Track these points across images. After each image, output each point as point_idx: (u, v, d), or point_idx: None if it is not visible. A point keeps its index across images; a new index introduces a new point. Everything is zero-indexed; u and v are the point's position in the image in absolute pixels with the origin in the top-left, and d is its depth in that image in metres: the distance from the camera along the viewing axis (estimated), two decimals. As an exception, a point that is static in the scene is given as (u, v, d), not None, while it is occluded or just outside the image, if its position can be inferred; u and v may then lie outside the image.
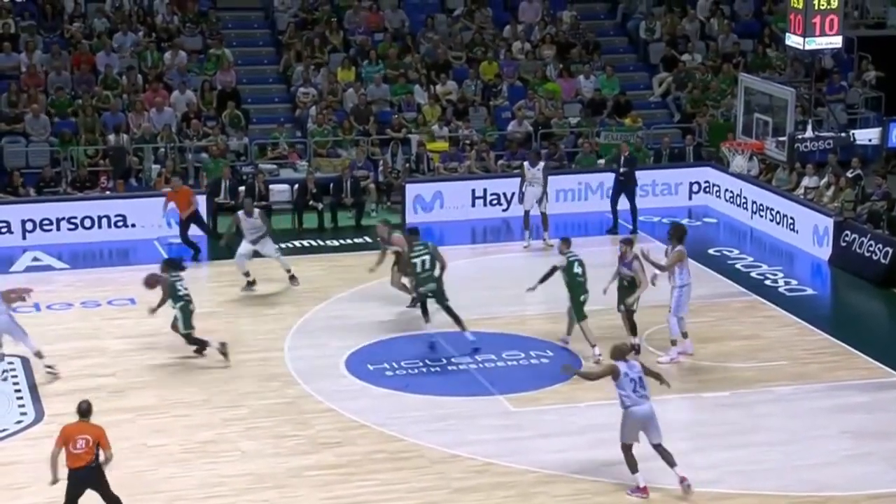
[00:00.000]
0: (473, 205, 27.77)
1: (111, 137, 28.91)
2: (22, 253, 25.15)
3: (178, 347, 19.80)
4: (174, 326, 19.65)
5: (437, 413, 17.89)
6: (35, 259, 25.03)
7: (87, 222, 26.12)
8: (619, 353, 15.50)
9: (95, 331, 21.12)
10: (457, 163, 29.32)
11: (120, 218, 26.26)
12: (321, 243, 26.04)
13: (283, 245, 24.47)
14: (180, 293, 19.43)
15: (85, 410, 14.18)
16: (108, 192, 27.46)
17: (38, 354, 19.05)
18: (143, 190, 27.84)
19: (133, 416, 17.66)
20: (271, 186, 27.77)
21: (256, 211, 22.97)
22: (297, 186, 27.70)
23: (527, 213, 25.52)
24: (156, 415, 17.78)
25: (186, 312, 19.45)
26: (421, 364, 19.66)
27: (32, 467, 15.89)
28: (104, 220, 26.18)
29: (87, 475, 14.05)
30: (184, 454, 16.61)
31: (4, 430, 17.25)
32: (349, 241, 26.06)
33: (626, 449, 15.45)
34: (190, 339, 19.55)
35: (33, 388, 18.62)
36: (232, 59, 31.44)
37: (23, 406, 18.06)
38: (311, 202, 27.20)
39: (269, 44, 33.12)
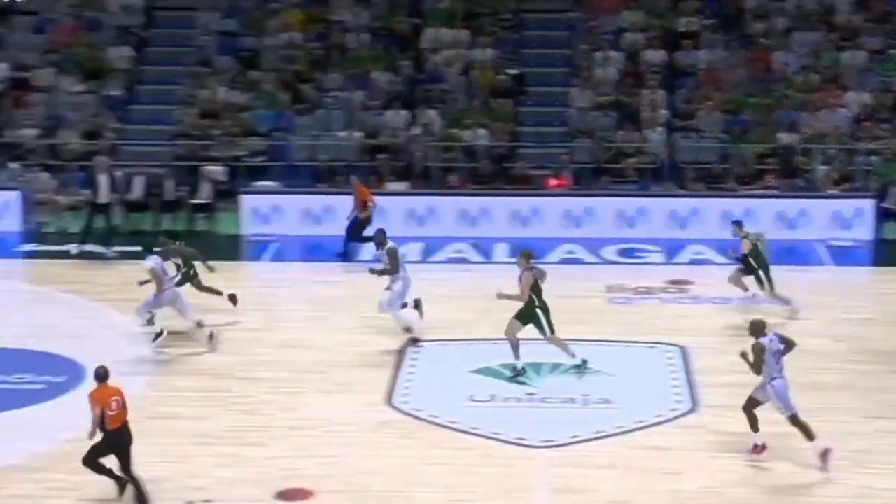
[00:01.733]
0: None
1: (781, 136, 28.95)
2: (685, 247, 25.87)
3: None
4: None
5: None
6: (697, 253, 25.70)
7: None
8: (757, 329, 15.81)
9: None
10: None
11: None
12: None
13: None
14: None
15: (103, 375, 14.66)
16: (770, 190, 27.55)
17: (199, 324, 19.76)
18: (810, 191, 27.70)
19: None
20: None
21: None
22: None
23: None
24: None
25: None
26: None
27: (686, 455, 16.32)
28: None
29: (126, 433, 14.62)
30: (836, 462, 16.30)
31: (659, 415, 17.78)
32: None
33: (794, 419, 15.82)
34: None
35: (690, 378, 19.04)
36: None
37: (678, 395, 18.52)
38: None
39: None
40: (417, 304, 20.68)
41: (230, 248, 25.96)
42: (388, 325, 20.78)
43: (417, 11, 32.73)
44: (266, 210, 26.79)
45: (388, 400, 18.20)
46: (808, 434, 15.84)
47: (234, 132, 29.44)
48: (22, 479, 15.57)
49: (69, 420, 16.96)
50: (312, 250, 25.93)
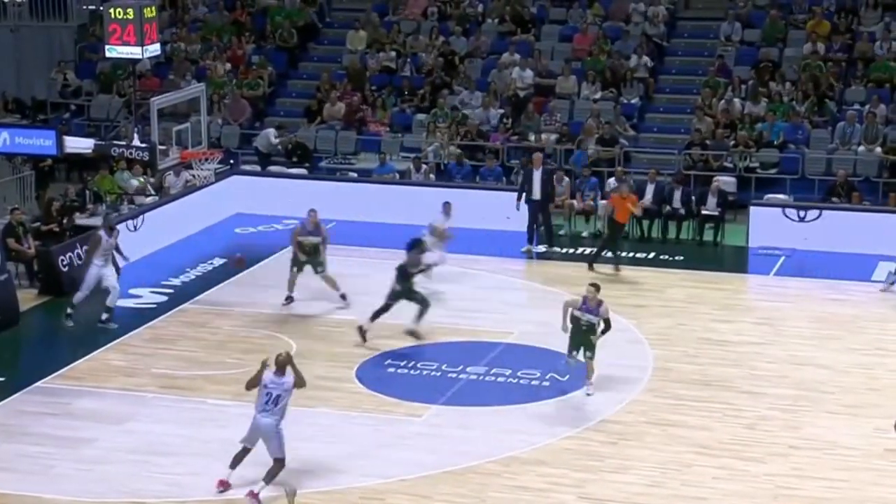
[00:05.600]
0: None
1: None
2: None
3: None
4: None
5: None
6: None
7: None
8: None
9: None
10: None
11: None
12: None
13: None
14: None
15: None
16: None
17: None
18: None
19: None
20: None
21: None
22: None
23: None
24: None
25: None
26: None
27: None
28: None
29: None
30: None
31: None
32: None
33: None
34: None
35: None
36: None
37: None
38: None
39: None
40: None
41: (736, 260, 25.79)
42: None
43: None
44: (774, 223, 26.29)
45: (897, 427, 17.53)
46: None
47: (747, 143, 29.22)
48: (526, 471, 16.17)
49: (571, 418, 17.49)
50: (818, 266, 25.19)
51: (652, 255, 25.96)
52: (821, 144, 29.27)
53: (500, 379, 19.40)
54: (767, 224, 26.35)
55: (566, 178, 28.12)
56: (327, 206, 24.31)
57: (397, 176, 29.61)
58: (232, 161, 30.49)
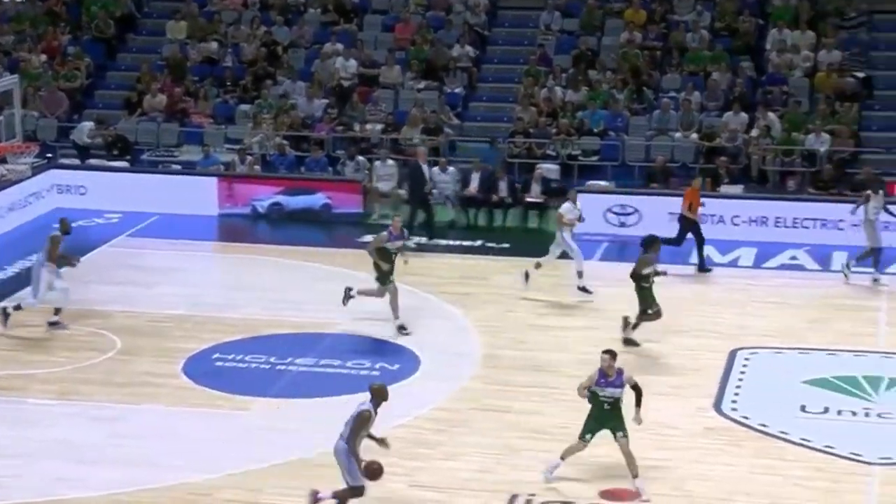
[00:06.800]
0: None
1: None
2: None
3: None
4: None
5: None
6: None
7: None
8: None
9: None
10: None
11: None
12: None
13: None
14: None
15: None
16: None
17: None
18: None
19: None
20: None
21: None
22: None
23: None
24: None
25: None
26: None
27: None
28: None
29: None
30: None
31: None
32: None
33: None
34: None
35: None
36: None
37: None
38: None
39: None
40: None
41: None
42: (721, 329, 20.56)
43: (762, 12, 32.15)
44: (597, 209, 26.73)
45: (717, 406, 17.97)
46: None
47: (569, 131, 29.62)
48: (357, 461, 16.14)
49: (401, 407, 17.50)
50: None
51: (478, 242, 26.18)
52: (639, 131, 29.84)
53: (329, 370, 19.35)
54: (589, 211, 26.79)
55: (391, 168, 28.21)
56: (150, 199, 23.95)
57: (222, 168, 29.29)
58: (49, 155, 29.79)
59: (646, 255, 20.29)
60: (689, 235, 24.25)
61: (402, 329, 20.54)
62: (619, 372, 15.40)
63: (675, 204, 25.20)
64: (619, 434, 15.27)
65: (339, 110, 31.01)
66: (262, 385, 18.70)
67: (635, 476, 15.22)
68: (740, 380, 18.92)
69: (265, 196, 28.17)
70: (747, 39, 31.48)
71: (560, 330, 20.76)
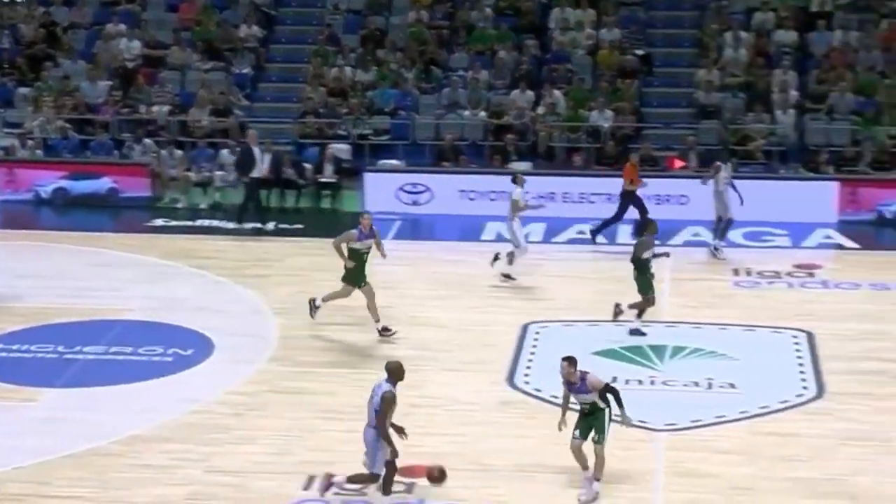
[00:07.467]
0: None
1: (916, 118, 28.39)
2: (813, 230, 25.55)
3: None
4: None
5: None
6: (826, 237, 25.44)
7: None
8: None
9: (881, 314, 20.92)
10: None
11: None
12: None
13: None
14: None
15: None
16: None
17: None
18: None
19: None
20: None
21: None
22: None
23: None
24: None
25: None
26: None
27: (810, 442, 16.10)
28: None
29: None
30: None
31: (784, 401, 17.55)
32: None
33: None
34: None
35: (817, 364, 18.77)
36: None
37: (804, 380, 18.26)
38: None
39: None
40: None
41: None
42: (513, 304, 20.83)
43: (545, -9, 32.72)
44: (389, 188, 26.87)
45: (510, 380, 18.24)
46: None
47: (359, 110, 29.62)
48: (150, 449, 15.89)
49: (195, 392, 17.29)
50: (435, 228, 26.02)
51: (271, 224, 26.01)
52: (429, 110, 30.02)
53: (120, 357, 18.98)
54: (381, 190, 26.94)
55: (179, 151, 27.80)
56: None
57: (2, 153, 28.44)
58: None
59: (642, 238, 20.08)
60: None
61: (385, 331, 19.77)
62: (583, 377, 14.81)
63: (466, 182, 25.45)
64: (595, 438, 14.81)
65: (123, 92, 30.40)
66: (50, 375, 18.24)
67: (597, 479, 14.86)
68: (532, 353, 19.23)
69: (48, 181, 27.55)
70: (531, 18, 31.95)
71: (359, 309, 20.76)
